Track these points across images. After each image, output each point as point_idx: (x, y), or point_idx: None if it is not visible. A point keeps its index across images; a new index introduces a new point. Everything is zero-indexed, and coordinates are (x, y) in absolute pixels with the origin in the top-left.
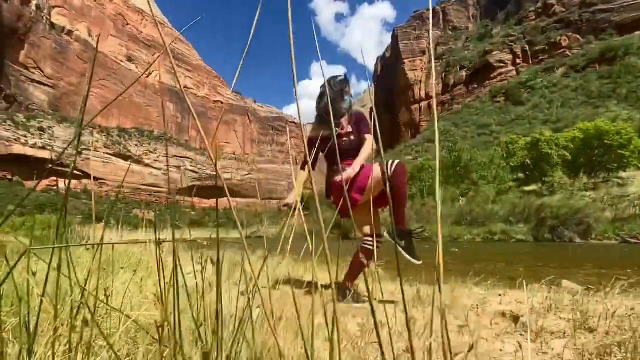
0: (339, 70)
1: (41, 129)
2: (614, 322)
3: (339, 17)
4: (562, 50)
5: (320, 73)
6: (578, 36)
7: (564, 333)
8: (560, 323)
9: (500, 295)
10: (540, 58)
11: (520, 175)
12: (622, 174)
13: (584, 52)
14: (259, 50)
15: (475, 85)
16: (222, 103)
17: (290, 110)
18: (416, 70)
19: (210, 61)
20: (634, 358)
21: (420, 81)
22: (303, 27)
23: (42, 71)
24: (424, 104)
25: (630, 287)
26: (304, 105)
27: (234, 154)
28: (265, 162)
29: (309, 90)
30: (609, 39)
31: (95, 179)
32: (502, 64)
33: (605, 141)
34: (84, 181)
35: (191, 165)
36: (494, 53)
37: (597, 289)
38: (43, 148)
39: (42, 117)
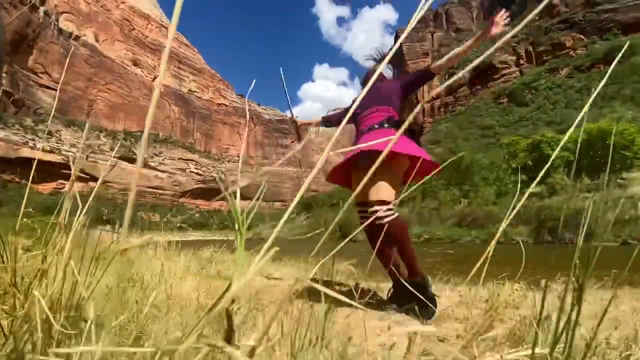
0: (341, 73)
1: (49, 133)
2: (520, 312)
3: (341, 21)
4: (566, 50)
5: (323, 76)
6: (582, 36)
7: (467, 319)
8: (474, 312)
9: (451, 290)
10: (544, 59)
11: (523, 177)
12: (625, 175)
13: (588, 53)
14: (261, 53)
15: (479, 87)
16: (225, 106)
17: (293, 113)
18: None
19: (215, 64)
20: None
21: None
22: (306, 31)
23: (49, 76)
24: (426, 105)
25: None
26: (307, 107)
27: (238, 157)
28: (269, 164)
29: (312, 92)
30: (614, 39)
31: (102, 181)
32: (505, 65)
33: (609, 142)
34: (90, 184)
35: (195, 168)
36: (497, 54)
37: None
38: (51, 151)
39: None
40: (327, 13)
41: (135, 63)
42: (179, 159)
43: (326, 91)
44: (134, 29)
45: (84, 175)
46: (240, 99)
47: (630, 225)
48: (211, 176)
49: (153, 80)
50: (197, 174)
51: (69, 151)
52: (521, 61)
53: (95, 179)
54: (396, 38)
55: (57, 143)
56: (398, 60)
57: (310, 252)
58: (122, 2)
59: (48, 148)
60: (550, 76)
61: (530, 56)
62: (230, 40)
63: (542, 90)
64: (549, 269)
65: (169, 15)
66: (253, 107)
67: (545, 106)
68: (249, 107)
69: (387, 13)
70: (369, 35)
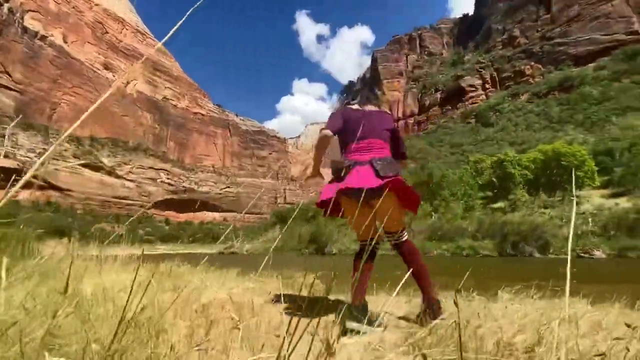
0: (320, 89)
1: (3, 136)
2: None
3: (320, 38)
4: (526, 77)
5: (302, 90)
6: (540, 66)
7: (410, 328)
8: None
9: (408, 302)
10: (507, 84)
11: (488, 193)
12: (578, 193)
13: (545, 81)
14: (242, 65)
15: (449, 107)
16: (202, 115)
17: (272, 125)
18: (394, 91)
19: (194, 74)
20: None
21: (398, 101)
22: (286, 46)
23: (10, 76)
24: (401, 122)
25: (514, 293)
26: (286, 119)
27: (213, 167)
28: (245, 176)
29: (291, 105)
30: (567, 69)
31: (61, 189)
32: (473, 88)
33: (562, 162)
34: (48, 192)
35: (167, 178)
36: (466, 78)
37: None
38: (6, 156)
39: (6, 124)
40: (307, 30)
41: (107, 67)
42: (150, 167)
43: (305, 105)
44: (107, 32)
45: (41, 183)
46: (218, 108)
47: (582, 239)
48: (183, 186)
49: (125, 86)
50: (169, 184)
51: (25, 156)
52: (487, 85)
53: (54, 187)
54: (373, 59)
55: (13, 147)
56: (373, 80)
57: (282, 266)
58: (96, 5)
59: (2, 152)
60: (512, 100)
61: (495, 81)
62: (210, 51)
63: (506, 112)
64: (508, 281)
65: (146, 21)
66: (231, 118)
67: (508, 127)
68: (226, 118)
69: (364, 34)
70: (347, 54)
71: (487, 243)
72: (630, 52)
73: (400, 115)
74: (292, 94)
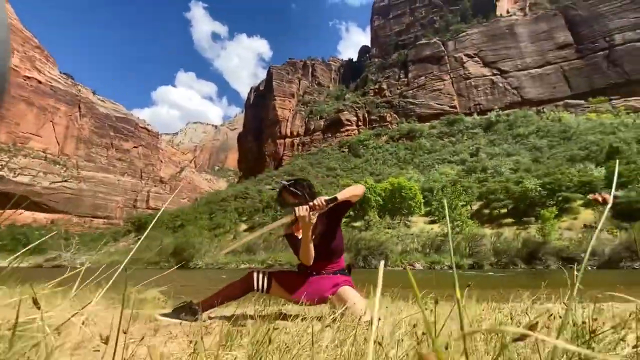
0: (209, 87)
1: None
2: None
3: (216, 37)
4: (387, 123)
5: (187, 84)
6: (396, 116)
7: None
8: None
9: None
10: (373, 125)
11: (351, 212)
12: (410, 218)
13: (398, 129)
14: (114, 36)
15: (329, 135)
16: (39, 82)
17: (143, 114)
18: (285, 109)
19: (39, 31)
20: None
21: (287, 120)
22: (174, 33)
23: None
24: (288, 140)
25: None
26: (164, 112)
27: (45, 152)
28: (94, 170)
29: (171, 97)
30: (413, 123)
31: None
32: (349, 123)
33: (403, 193)
34: None
35: None
36: (344, 112)
37: None
38: None
39: None
40: (202, 23)
41: None
42: None
43: (188, 100)
44: None
45: None
46: (66, 79)
47: (409, 254)
48: None
49: None
50: None
51: None
52: (359, 123)
53: None
54: (269, 73)
55: None
56: (267, 93)
57: (139, 281)
58: None
59: None
60: (375, 139)
61: (366, 121)
62: (70, 10)
63: (370, 148)
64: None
65: None
66: (84, 94)
67: (370, 160)
68: (77, 93)
69: (262, 47)
70: (243, 61)
71: (344, 256)
72: (450, 120)
73: (288, 133)
74: (174, 86)
